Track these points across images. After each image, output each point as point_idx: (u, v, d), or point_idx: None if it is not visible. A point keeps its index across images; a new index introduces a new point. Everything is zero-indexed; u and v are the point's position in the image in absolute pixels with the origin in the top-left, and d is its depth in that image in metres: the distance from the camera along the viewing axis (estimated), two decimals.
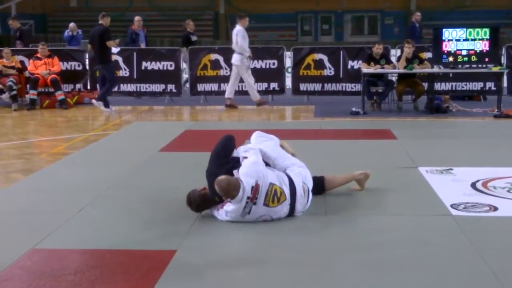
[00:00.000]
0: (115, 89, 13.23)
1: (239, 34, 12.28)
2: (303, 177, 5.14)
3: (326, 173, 5.69)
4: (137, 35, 14.54)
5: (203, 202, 4.99)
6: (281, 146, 5.59)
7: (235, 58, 12.37)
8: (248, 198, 4.73)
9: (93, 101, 12.51)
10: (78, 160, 7.56)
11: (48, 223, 4.93)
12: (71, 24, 15.87)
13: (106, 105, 12.32)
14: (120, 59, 13.79)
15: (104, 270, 3.98)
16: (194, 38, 15.00)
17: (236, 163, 5.03)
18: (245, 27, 12.45)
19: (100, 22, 12.40)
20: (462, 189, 5.76)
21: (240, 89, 13.28)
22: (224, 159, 5.17)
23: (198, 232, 4.71)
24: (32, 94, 12.81)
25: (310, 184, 5.20)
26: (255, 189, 4.75)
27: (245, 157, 5.01)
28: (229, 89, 12.71)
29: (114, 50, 12.76)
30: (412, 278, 3.80)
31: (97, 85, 13.10)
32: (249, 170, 4.83)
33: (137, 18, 14.55)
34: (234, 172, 4.89)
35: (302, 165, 5.30)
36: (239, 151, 5.23)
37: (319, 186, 5.43)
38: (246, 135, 8.58)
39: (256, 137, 5.49)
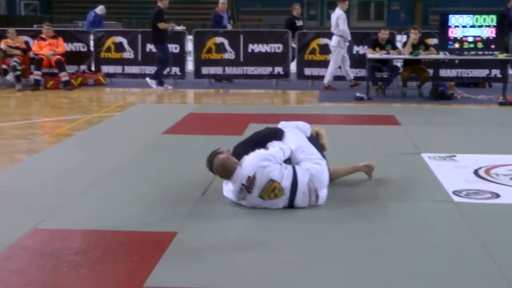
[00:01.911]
0: (120, 71, 13.23)
1: (340, 18, 12.49)
2: (313, 175, 4.83)
3: (329, 158, 5.67)
4: (221, 17, 14.29)
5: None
6: (317, 132, 5.44)
7: (333, 40, 12.61)
8: (242, 185, 4.71)
9: (147, 78, 12.85)
10: (81, 142, 7.57)
11: (50, 204, 4.95)
12: (101, 6, 15.86)
13: (161, 83, 12.76)
14: (125, 41, 13.82)
15: (105, 250, 4.00)
16: (299, 23, 14.63)
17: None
18: (345, 11, 12.67)
19: (158, 4, 12.64)
20: (464, 176, 5.75)
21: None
22: (258, 146, 5.01)
23: (199, 214, 4.71)
24: (36, 75, 12.80)
25: (319, 184, 4.85)
26: (251, 180, 4.69)
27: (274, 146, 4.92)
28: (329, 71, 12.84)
29: (178, 28, 13.05)
30: (412, 264, 3.79)
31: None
32: (253, 160, 4.75)
33: (221, 0, 14.28)
34: (244, 156, 4.83)
35: (318, 162, 4.93)
36: (273, 144, 5.04)
37: None
38: (250, 118, 8.55)
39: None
